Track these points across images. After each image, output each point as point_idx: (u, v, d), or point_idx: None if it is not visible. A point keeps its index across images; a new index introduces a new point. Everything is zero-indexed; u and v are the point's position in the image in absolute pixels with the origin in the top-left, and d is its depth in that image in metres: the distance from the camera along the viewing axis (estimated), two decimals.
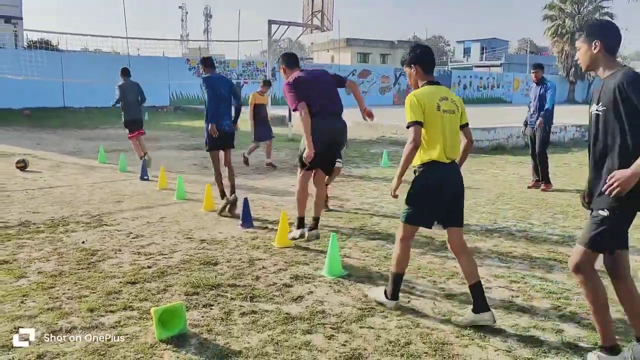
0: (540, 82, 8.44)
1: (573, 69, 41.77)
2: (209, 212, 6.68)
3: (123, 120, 10.08)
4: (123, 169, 9.72)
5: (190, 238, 5.51)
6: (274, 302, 3.86)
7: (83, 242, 5.29)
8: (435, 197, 3.63)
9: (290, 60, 5.63)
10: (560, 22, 41.78)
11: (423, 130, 3.54)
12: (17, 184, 8.35)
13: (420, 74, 3.70)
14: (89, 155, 11.63)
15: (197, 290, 4.02)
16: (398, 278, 3.76)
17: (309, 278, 4.35)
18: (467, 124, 3.84)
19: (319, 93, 5.34)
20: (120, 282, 4.17)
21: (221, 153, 6.91)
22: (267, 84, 11.10)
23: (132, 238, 5.48)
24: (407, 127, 3.55)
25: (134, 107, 10.03)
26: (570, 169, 10.48)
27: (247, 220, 6.01)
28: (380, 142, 14.90)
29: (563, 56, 42.25)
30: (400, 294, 3.92)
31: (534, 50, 66.79)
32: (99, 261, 4.72)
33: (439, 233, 5.71)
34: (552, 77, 42.99)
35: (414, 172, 3.72)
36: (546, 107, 8.28)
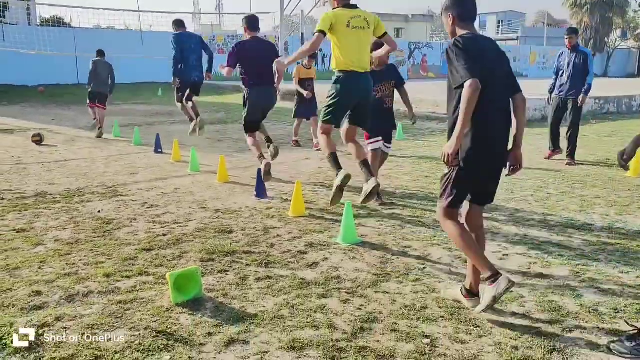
0: (574, 49, 7.93)
1: (592, 41, 40.80)
2: (223, 183, 6.67)
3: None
4: (137, 142, 9.74)
5: (204, 208, 5.51)
6: (289, 268, 3.85)
7: (99, 212, 5.32)
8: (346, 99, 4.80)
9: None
10: None
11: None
12: (33, 157, 8.41)
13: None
14: (104, 130, 11.65)
15: (213, 257, 4.03)
16: (333, 155, 4.93)
17: (324, 245, 4.33)
18: (385, 34, 4.88)
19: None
20: (136, 249, 4.19)
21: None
22: (312, 56, 9.84)
23: (147, 208, 5.50)
24: None
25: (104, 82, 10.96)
26: (589, 140, 10.28)
27: (261, 191, 5.99)
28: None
29: (582, 28, 41.21)
30: (416, 260, 3.89)
31: (552, 23, 65.24)
32: (115, 229, 4.75)
33: None
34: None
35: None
36: (588, 82, 7.83)
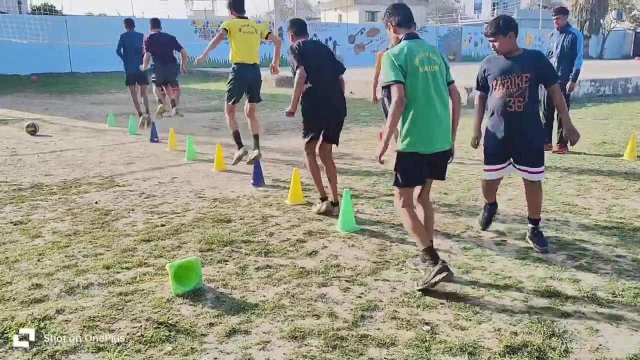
0: (563, 29, 7.42)
1: (587, 23, 40.63)
2: (220, 172, 6.66)
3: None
4: (133, 131, 9.69)
5: (202, 197, 5.51)
6: (289, 257, 3.86)
7: (96, 203, 5.31)
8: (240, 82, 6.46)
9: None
10: None
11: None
12: (28, 148, 8.36)
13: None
14: (98, 119, 11.60)
15: (212, 247, 4.03)
16: (236, 133, 6.53)
17: (323, 234, 4.34)
18: (269, 34, 6.54)
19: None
20: (135, 240, 4.18)
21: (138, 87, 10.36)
22: None
23: (145, 198, 5.49)
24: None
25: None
26: (585, 123, 10.28)
27: (259, 179, 5.98)
28: None
29: (577, 10, 41.03)
30: (415, 247, 3.90)
31: (547, 5, 64.87)
32: (113, 220, 4.74)
33: (451, 188, 5.67)
34: None
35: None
36: (576, 67, 7.31)
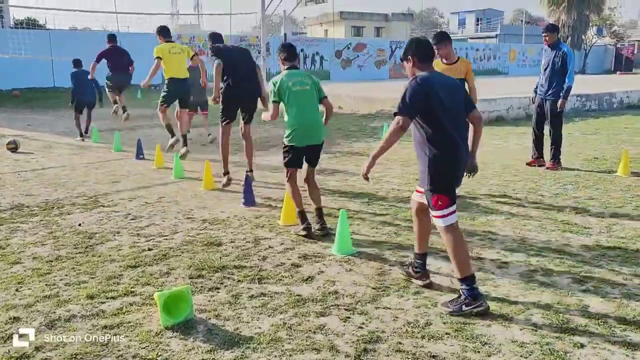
0: (554, 46, 7.31)
1: (570, 38, 41.24)
2: (209, 190, 6.46)
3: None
4: (118, 148, 9.45)
5: (191, 218, 5.30)
6: (284, 284, 3.67)
7: (79, 225, 5.07)
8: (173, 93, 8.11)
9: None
10: None
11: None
12: (9, 166, 8.08)
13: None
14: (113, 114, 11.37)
15: (202, 273, 3.83)
16: (168, 126, 8.13)
17: (318, 257, 4.16)
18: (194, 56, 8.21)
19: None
20: (120, 266, 3.97)
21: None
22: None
23: (131, 219, 5.27)
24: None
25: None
26: (574, 138, 10.28)
27: (249, 198, 5.80)
28: (379, 116, 14.61)
29: (560, 25, 41.60)
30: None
31: (529, 21, 65.98)
32: (97, 244, 4.51)
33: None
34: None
35: None
36: (567, 84, 7.19)
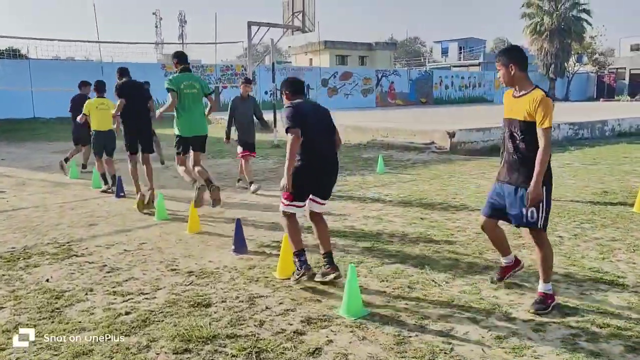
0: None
1: (553, 66, 41.74)
2: (194, 234, 5.87)
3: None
4: (97, 185, 8.82)
5: (175, 270, 4.70)
6: (286, 358, 3.08)
7: (47, 280, 4.44)
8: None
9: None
10: (539, 20, 41.71)
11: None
12: None
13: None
14: (60, 170, 10.67)
15: (189, 346, 3.22)
16: None
17: (325, 320, 3.59)
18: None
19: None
20: (91, 338, 3.34)
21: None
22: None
23: (107, 272, 4.65)
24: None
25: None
26: (576, 170, 9.91)
27: (241, 245, 5.22)
28: (371, 146, 14.20)
29: (542, 54, 42.16)
30: (439, 338, 3.18)
31: None
32: (66, 306, 3.88)
33: (461, 252, 4.99)
34: (531, 74, 42.87)
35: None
36: None
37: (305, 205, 4.32)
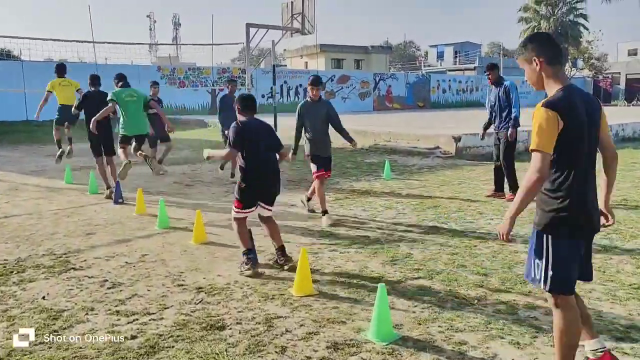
0: (498, 83, 7.72)
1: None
2: (200, 245, 5.52)
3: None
4: (94, 190, 8.44)
5: (182, 285, 4.34)
6: None
7: (44, 298, 4.08)
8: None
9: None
10: (536, 24, 41.70)
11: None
12: None
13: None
14: (54, 174, 10.29)
15: None
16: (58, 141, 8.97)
17: (352, 346, 3.24)
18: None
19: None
20: None
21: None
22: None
23: (108, 288, 4.28)
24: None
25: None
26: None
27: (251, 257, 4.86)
28: (374, 150, 13.88)
29: None
30: None
31: (506, 53, 67.10)
32: (65, 328, 3.52)
33: (488, 266, 4.65)
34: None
35: None
36: (514, 114, 7.54)
37: (252, 211, 4.84)
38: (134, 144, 8.06)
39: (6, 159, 12.83)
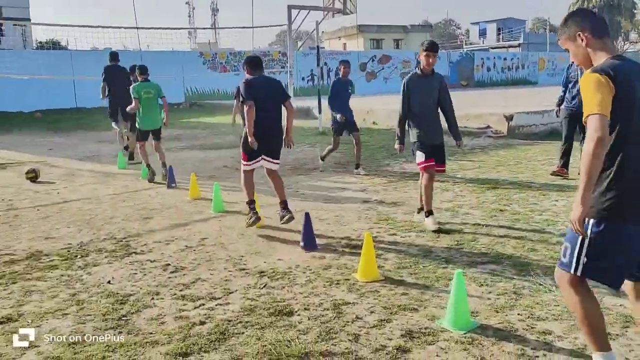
0: None
1: None
2: (257, 229, 5.46)
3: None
4: (146, 175, 8.53)
5: (244, 270, 4.29)
6: None
7: (109, 282, 4.09)
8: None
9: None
10: None
11: None
12: (28, 199, 7.20)
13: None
14: (107, 160, 10.49)
15: None
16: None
17: (428, 334, 3.10)
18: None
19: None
20: (167, 355, 2.94)
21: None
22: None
23: (171, 272, 4.27)
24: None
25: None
26: None
27: (310, 241, 4.78)
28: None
29: None
30: (573, 359, 2.65)
31: (552, 29, 64.47)
32: (132, 313, 3.51)
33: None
34: None
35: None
36: None
37: (258, 162, 5.36)
38: (151, 140, 8.32)
39: (61, 145, 13.17)
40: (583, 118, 2.30)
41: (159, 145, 8.38)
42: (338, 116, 8.31)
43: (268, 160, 5.37)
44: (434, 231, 5.05)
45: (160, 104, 8.51)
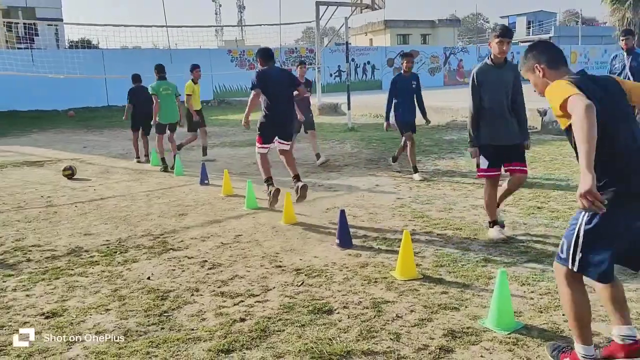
0: (630, 51, 7.44)
1: (637, 38, 38.58)
2: (291, 225, 5.47)
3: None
4: (179, 172, 8.64)
5: (280, 267, 4.30)
6: None
7: (149, 278, 4.15)
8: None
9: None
10: None
11: None
12: (65, 196, 7.37)
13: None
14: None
15: None
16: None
17: (471, 334, 3.05)
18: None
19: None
20: (210, 351, 2.97)
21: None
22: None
23: (209, 269, 4.31)
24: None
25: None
26: None
27: (345, 238, 4.76)
28: (452, 127, 13.41)
29: (624, 24, 39.00)
30: None
31: (584, 21, 62.80)
32: (173, 309, 3.56)
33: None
34: (608, 47, 39.76)
35: None
36: None
37: (271, 144, 6.19)
38: (168, 132, 9.22)
39: (94, 143, 13.44)
40: (555, 108, 2.36)
41: (172, 136, 9.30)
42: (384, 124, 7.94)
43: (281, 142, 6.22)
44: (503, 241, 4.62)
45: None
